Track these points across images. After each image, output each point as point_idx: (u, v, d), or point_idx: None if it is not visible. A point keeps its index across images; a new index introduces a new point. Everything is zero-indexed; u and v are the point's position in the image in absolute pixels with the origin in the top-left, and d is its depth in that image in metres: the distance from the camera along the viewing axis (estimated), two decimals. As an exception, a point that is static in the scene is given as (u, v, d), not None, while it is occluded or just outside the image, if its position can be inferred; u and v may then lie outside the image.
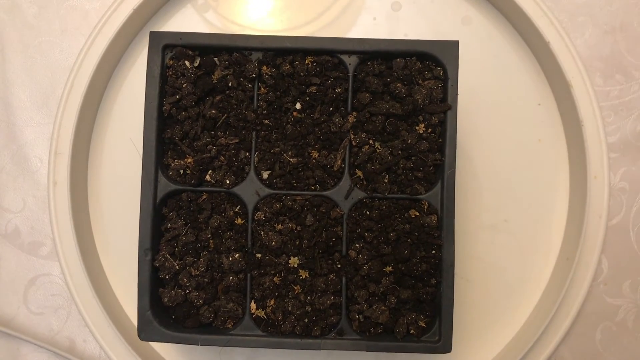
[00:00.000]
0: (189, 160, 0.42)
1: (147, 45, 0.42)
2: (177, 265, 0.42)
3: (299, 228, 0.42)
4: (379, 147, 0.42)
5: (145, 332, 0.41)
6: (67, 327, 0.50)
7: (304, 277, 0.42)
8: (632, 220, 0.49)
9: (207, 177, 0.42)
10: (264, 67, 0.42)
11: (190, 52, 0.42)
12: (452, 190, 0.41)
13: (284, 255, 0.42)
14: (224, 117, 0.42)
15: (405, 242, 0.41)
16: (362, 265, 0.41)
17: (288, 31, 0.51)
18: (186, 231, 0.42)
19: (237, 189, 0.42)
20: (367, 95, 0.42)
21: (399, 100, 0.42)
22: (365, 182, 0.42)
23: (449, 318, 0.40)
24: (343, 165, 0.42)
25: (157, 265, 0.42)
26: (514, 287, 0.49)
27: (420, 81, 0.42)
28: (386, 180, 0.42)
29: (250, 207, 0.42)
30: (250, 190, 0.42)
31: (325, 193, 0.42)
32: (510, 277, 0.49)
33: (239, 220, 0.42)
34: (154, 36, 0.42)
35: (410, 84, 0.42)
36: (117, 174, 0.50)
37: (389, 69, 0.42)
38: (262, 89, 0.43)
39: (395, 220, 0.42)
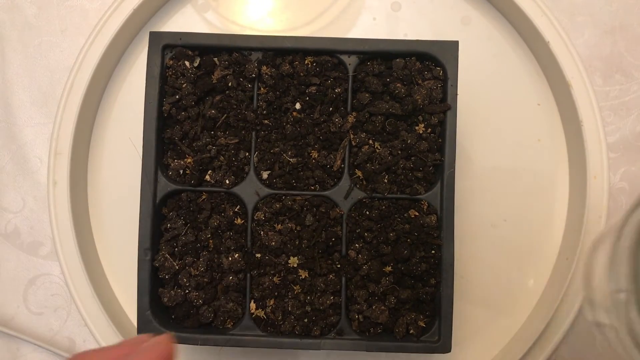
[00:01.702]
0: (189, 160, 0.42)
1: (147, 45, 0.42)
2: (177, 265, 0.42)
3: (298, 228, 0.42)
4: (379, 147, 0.42)
5: (145, 332, 0.41)
6: (67, 327, 0.50)
7: (303, 277, 0.42)
8: (631, 220, 0.49)
9: (207, 177, 0.42)
10: (264, 67, 0.42)
11: (190, 52, 0.42)
12: (451, 190, 0.41)
13: (283, 255, 0.42)
14: (223, 117, 0.42)
15: (404, 242, 0.41)
16: (361, 265, 0.41)
17: (288, 31, 0.51)
18: (186, 231, 0.42)
19: (236, 189, 0.42)
20: (366, 95, 0.42)
21: (399, 100, 0.42)
22: (364, 182, 0.42)
23: (448, 318, 0.40)
24: (343, 165, 0.42)
25: (157, 265, 0.42)
26: (514, 287, 0.49)
27: (419, 81, 0.42)
28: (386, 180, 0.42)
29: (250, 207, 0.42)
30: (250, 190, 0.42)
31: (325, 193, 0.42)
32: (510, 277, 0.49)
33: (239, 220, 0.42)
34: (154, 36, 0.42)
35: (410, 84, 0.42)
36: (117, 174, 0.50)
37: (388, 69, 0.42)
38: (262, 89, 0.43)
39: (394, 220, 0.42)
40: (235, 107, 0.42)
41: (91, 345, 0.50)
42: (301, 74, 0.42)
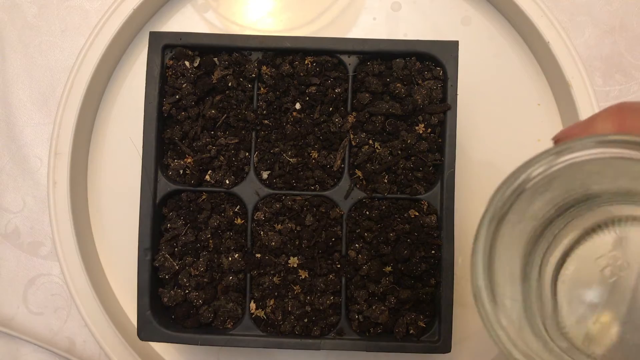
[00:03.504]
0: (189, 160, 0.42)
1: (147, 45, 0.42)
2: (177, 265, 0.42)
3: (298, 228, 0.42)
4: (379, 147, 0.42)
5: (145, 332, 0.41)
6: (67, 328, 0.50)
7: (303, 277, 0.42)
8: (631, 221, 0.49)
9: (207, 177, 0.42)
10: (264, 67, 0.42)
11: (190, 52, 0.42)
12: (451, 191, 0.41)
13: (283, 255, 0.42)
14: (223, 117, 0.42)
15: (404, 242, 0.41)
16: (361, 265, 0.41)
17: (288, 31, 0.51)
18: (186, 231, 0.42)
19: (236, 189, 0.42)
20: (366, 95, 0.42)
21: (399, 100, 0.42)
22: (364, 182, 0.42)
23: (448, 318, 0.40)
24: (343, 166, 0.42)
25: (157, 265, 0.42)
26: (514, 287, 0.49)
27: (419, 81, 0.42)
28: (386, 180, 0.42)
29: (249, 207, 0.42)
30: (250, 190, 0.42)
31: (325, 193, 0.42)
32: (510, 277, 0.49)
33: (239, 220, 0.42)
34: (154, 36, 0.42)
35: (410, 84, 0.42)
36: (117, 173, 0.50)
37: (388, 69, 0.42)
38: (262, 89, 0.43)
39: (394, 220, 0.42)
40: (235, 107, 0.42)
41: (91, 345, 0.50)
42: (301, 74, 0.42)
